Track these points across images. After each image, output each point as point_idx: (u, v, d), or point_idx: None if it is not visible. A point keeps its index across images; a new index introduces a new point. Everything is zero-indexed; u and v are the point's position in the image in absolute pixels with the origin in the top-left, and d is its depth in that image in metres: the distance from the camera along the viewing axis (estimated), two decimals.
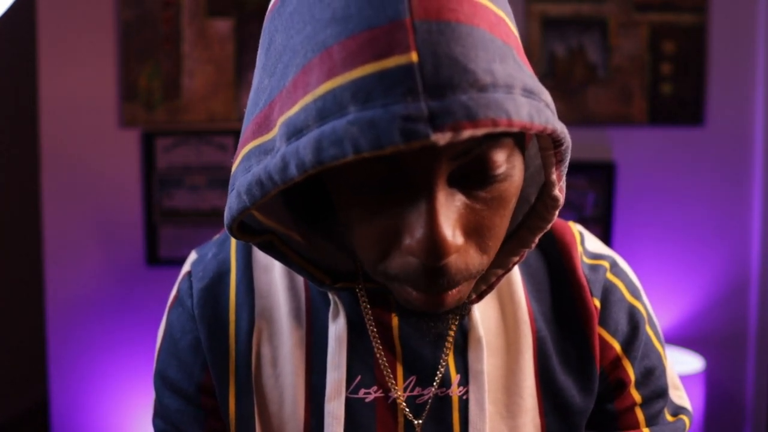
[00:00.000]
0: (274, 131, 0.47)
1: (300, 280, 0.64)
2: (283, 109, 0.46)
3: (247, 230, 0.55)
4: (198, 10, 2.18)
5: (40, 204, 2.35)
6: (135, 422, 2.24)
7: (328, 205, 0.62)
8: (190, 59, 2.19)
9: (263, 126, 0.48)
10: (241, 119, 2.19)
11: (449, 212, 0.46)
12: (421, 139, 0.40)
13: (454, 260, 0.47)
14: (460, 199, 0.47)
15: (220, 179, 2.22)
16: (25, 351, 3.60)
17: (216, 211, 2.23)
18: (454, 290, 0.50)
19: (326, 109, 0.42)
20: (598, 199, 2.21)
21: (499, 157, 0.47)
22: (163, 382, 0.64)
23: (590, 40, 2.19)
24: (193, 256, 0.68)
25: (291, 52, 0.47)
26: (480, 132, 0.41)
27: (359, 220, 0.49)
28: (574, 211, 2.21)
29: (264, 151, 0.47)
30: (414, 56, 0.41)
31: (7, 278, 3.58)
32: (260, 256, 0.65)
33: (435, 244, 0.45)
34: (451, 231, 0.45)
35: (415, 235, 0.46)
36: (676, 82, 2.20)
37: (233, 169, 0.51)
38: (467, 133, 0.40)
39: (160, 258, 2.22)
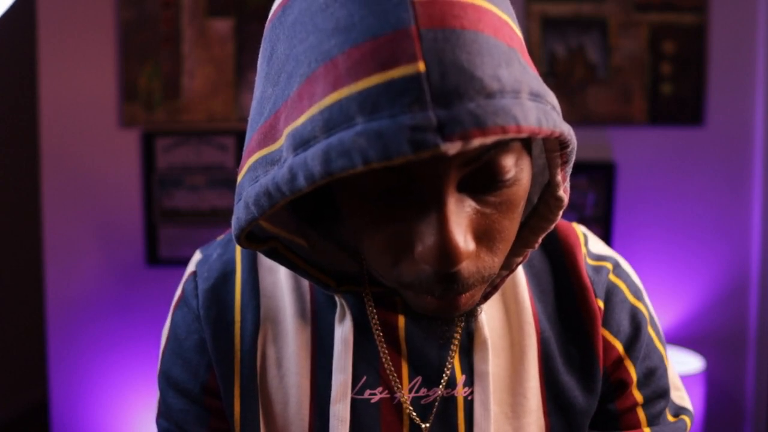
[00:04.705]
0: (281, 141, 0.47)
1: (304, 281, 0.64)
2: (288, 120, 0.46)
3: (252, 238, 0.55)
4: (198, 10, 2.18)
5: (40, 204, 2.35)
6: (135, 422, 2.24)
7: (331, 205, 0.62)
8: (190, 59, 2.19)
9: (269, 136, 0.48)
10: (241, 119, 2.19)
11: (460, 219, 0.46)
12: (431, 149, 0.39)
13: (466, 266, 0.47)
14: (470, 205, 0.47)
15: (220, 179, 2.22)
16: (25, 351, 3.60)
17: (216, 211, 2.23)
18: (467, 294, 0.50)
19: (333, 120, 0.42)
20: (598, 199, 2.21)
21: (508, 162, 0.47)
22: (167, 382, 0.64)
23: (590, 40, 2.19)
24: (197, 256, 0.68)
25: (294, 62, 0.46)
26: (489, 140, 0.41)
27: (369, 228, 0.49)
28: (574, 211, 2.21)
29: (270, 161, 0.47)
30: (421, 66, 0.40)
31: (7, 278, 3.58)
32: (265, 257, 0.65)
33: (447, 251, 0.45)
34: (462, 237, 0.45)
35: (426, 242, 0.46)
36: (676, 82, 2.20)
37: (239, 178, 0.51)
38: (476, 142, 0.40)
39: (160, 258, 2.22)
